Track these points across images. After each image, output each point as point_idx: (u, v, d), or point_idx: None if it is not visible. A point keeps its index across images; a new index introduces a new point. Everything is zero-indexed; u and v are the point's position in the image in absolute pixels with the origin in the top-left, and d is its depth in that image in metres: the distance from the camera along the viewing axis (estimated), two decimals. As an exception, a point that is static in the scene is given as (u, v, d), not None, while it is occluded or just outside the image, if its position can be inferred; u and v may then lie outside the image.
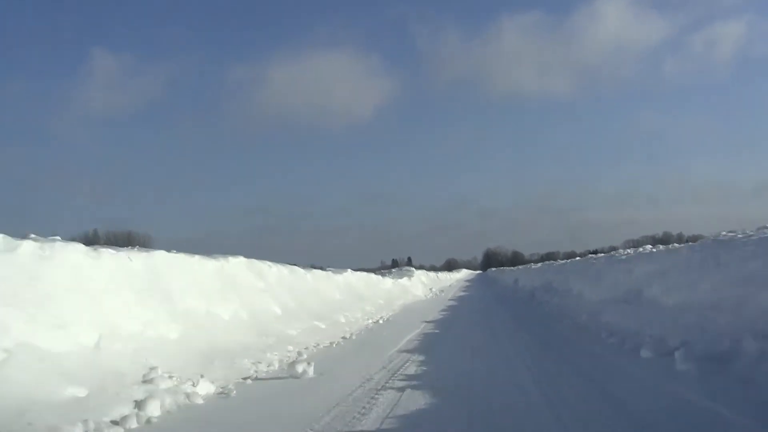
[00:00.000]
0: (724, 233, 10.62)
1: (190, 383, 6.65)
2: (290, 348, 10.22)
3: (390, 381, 7.23)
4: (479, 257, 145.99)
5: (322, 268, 24.42)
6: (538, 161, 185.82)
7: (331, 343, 11.35)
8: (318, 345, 10.98)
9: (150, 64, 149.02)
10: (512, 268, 75.73)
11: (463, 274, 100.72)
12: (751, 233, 9.50)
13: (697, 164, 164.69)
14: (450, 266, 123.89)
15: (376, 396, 6.39)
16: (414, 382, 7.07)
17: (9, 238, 7.28)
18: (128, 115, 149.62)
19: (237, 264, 13.86)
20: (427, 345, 10.79)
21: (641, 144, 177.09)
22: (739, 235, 9.71)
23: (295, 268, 18.74)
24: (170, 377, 6.81)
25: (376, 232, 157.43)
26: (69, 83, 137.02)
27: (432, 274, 63.24)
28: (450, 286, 52.56)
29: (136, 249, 10.86)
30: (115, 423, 5.34)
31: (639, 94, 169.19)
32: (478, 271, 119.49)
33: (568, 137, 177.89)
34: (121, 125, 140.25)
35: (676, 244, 14.86)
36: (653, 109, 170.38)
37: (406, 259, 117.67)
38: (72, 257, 7.97)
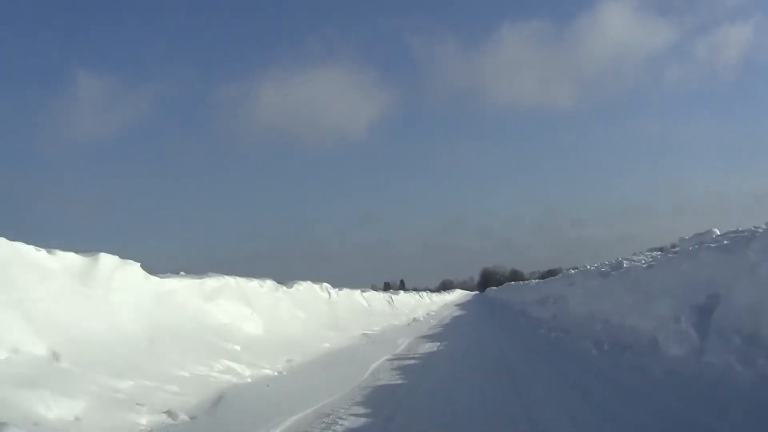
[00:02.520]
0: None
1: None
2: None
3: None
4: (476, 277, 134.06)
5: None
6: (537, 176, 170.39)
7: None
8: None
9: (135, 85, 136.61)
10: (534, 281, 45.30)
11: (456, 295, 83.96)
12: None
13: (707, 174, 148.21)
14: (445, 287, 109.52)
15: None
16: None
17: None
18: (114, 135, 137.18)
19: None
20: None
21: (645, 155, 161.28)
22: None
23: None
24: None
25: (368, 254, 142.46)
26: (51, 105, 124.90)
27: (377, 295, 30.61)
28: (410, 323, 24.95)
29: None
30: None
31: (643, 103, 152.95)
32: (474, 292, 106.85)
33: (569, 150, 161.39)
34: (106, 146, 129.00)
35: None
36: (659, 118, 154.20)
37: (398, 282, 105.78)
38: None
